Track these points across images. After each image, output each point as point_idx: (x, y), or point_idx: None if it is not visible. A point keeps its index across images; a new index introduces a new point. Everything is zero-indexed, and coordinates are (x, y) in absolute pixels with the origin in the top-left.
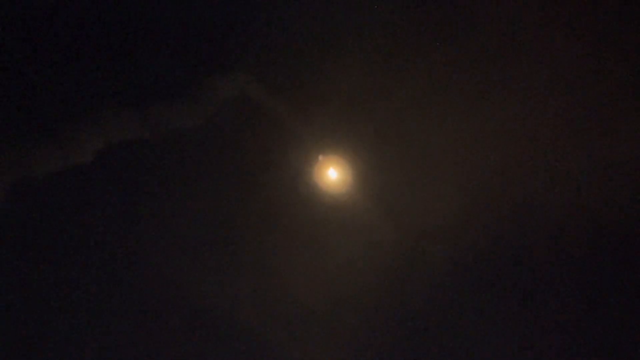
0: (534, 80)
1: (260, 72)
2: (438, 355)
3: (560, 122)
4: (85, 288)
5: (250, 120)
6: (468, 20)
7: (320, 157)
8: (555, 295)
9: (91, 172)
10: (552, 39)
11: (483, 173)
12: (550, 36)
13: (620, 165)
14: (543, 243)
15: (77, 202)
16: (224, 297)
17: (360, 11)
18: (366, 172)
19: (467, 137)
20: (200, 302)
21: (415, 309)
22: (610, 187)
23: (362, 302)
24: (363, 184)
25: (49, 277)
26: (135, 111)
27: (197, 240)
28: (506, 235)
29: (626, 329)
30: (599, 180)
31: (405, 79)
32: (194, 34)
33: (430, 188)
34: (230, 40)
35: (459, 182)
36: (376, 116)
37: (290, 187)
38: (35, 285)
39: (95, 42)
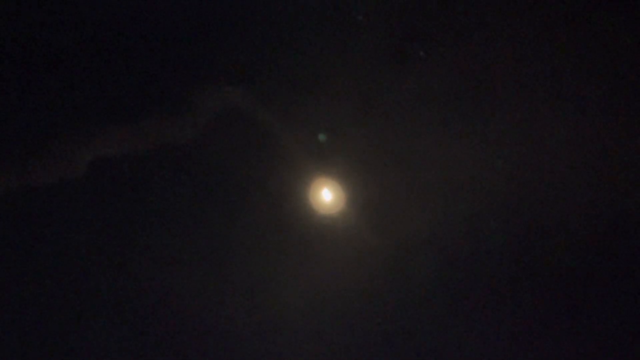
0: (534, 93)
1: (251, 84)
2: None
3: (554, 130)
4: (77, 302)
5: (241, 133)
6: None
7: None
8: (549, 305)
9: (80, 186)
10: (552, 44)
11: (483, 187)
12: (551, 41)
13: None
14: (535, 252)
15: (66, 216)
16: (215, 311)
17: (355, 21)
18: (359, 185)
19: (461, 146)
20: (191, 315)
21: (409, 319)
22: (607, 197)
23: (353, 314)
24: (356, 197)
25: (39, 290)
26: (123, 125)
27: (189, 254)
28: (499, 244)
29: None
30: (595, 187)
31: (400, 90)
32: (183, 45)
33: (424, 199)
34: (221, 51)
35: (452, 192)
36: (371, 127)
37: (282, 199)
38: (25, 299)
39: (83, 56)
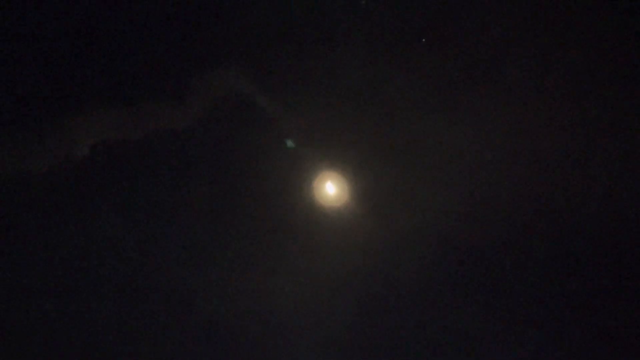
0: (530, 84)
1: (253, 69)
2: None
3: (555, 123)
4: (75, 287)
5: (243, 119)
6: (463, 24)
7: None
8: (551, 298)
9: (79, 170)
10: (551, 41)
11: (480, 178)
12: (549, 38)
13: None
14: (539, 244)
15: (65, 201)
16: (214, 298)
17: (358, 7)
18: (361, 174)
19: (463, 140)
20: (191, 303)
21: (410, 311)
22: (608, 188)
23: (354, 305)
24: (358, 186)
25: (37, 276)
26: (122, 110)
27: (189, 240)
28: (501, 237)
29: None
30: (597, 180)
31: (404, 80)
32: (184, 29)
33: (426, 191)
34: (222, 35)
35: (454, 184)
36: (374, 116)
37: (283, 188)
38: (24, 284)
39: (84, 40)
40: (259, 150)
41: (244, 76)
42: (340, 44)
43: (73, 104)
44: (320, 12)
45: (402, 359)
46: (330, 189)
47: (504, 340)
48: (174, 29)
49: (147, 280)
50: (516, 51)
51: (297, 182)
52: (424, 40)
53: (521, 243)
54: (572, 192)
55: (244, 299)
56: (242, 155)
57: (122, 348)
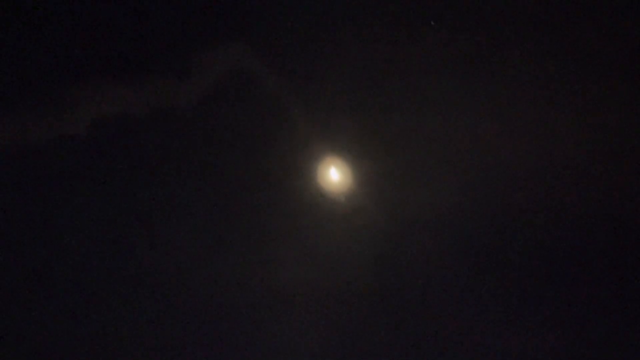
0: (531, 78)
1: (260, 46)
2: (431, 347)
3: (557, 117)
4: (73, 263)
5: (248, 97)
6: (467, 17)
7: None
8: (553, 290)
9: (79, 145)
10: (552, 36)
11: (481, 167)
12: (550, 33)
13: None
14: (540, 234)
15: (65, 174)
16: (215, 283)
17: None
18: (367, 160)
19: (465, 130)
20: (190, 288)
21: (410, 300)
22: (610, 180)
23: (355, 293)
24: (364, 172)
25: (32, 257)
26: (124, 84)
27: (189, 220)
28: (503, 227)
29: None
30: (598, 174)
31: (410, 62)
32: (189, 2)
33: (427, 179)
34: (228, 9)
35: (455, 172)
36: (381, 101)
37: (286, 172)
38: (21, 256)
39: (86, 11)
40: (263, 130)
41: (249, 53)
42: (351, 23)
43: (73, 76)
44: None
45: (408, 351)
46: (335, 175)
47: (512, 333)
48: (178, 2)
49: (150, 265)
50: (524, 42)
51: (301, 166)
52: (433, 23)
53: (530, 234)
54: (579, 184)
55: (243, 288)
56: (245, 135)
57: (119, 342)
